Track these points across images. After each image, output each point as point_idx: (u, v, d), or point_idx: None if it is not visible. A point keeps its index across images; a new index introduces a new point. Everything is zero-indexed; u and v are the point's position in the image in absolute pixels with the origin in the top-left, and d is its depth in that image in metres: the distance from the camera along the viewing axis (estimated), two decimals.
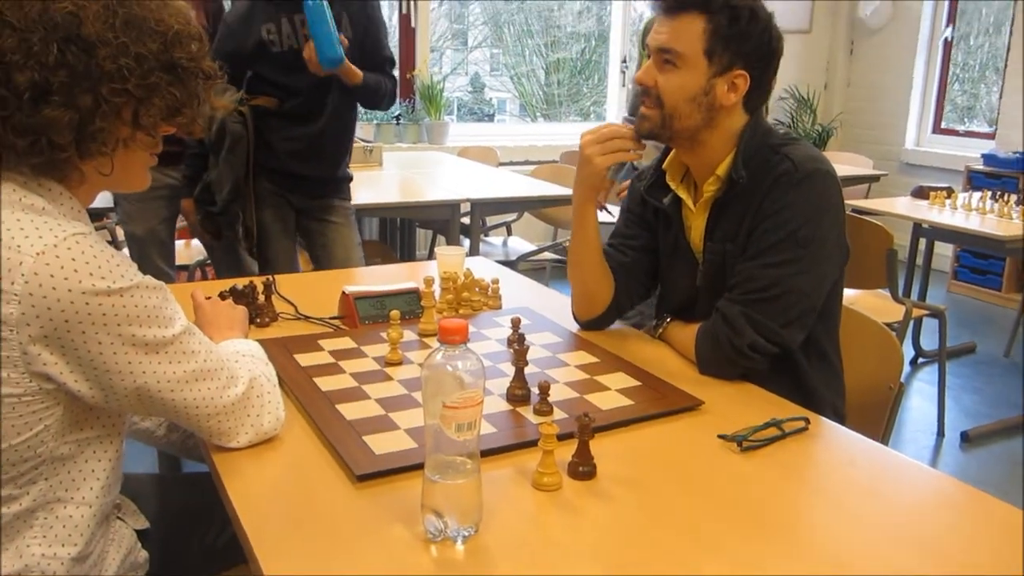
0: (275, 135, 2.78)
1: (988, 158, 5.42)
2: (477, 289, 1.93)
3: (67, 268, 0.98)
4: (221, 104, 1.20)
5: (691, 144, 1.60)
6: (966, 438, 3.40)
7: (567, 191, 3.87)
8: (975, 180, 5.36)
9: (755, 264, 1.54)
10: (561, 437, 1.17)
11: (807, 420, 1.34)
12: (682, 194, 1.68)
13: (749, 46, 1.53)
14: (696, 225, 1.67)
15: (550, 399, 1.35)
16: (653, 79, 1.57)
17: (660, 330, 1.72)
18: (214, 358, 1.14)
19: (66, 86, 0.99)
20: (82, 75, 1.00)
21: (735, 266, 1.58)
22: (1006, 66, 5.65)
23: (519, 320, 1.64)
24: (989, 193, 3.94)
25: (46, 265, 0.97)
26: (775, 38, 1.56)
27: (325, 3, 2.56)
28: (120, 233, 3.93)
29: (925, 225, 3.87)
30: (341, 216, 2.97)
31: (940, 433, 3.46)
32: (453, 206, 3.65)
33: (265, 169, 2.81)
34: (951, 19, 6.14)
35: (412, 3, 5.37)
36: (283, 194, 2.88)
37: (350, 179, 3.03)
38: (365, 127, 5.27)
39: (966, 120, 6.31)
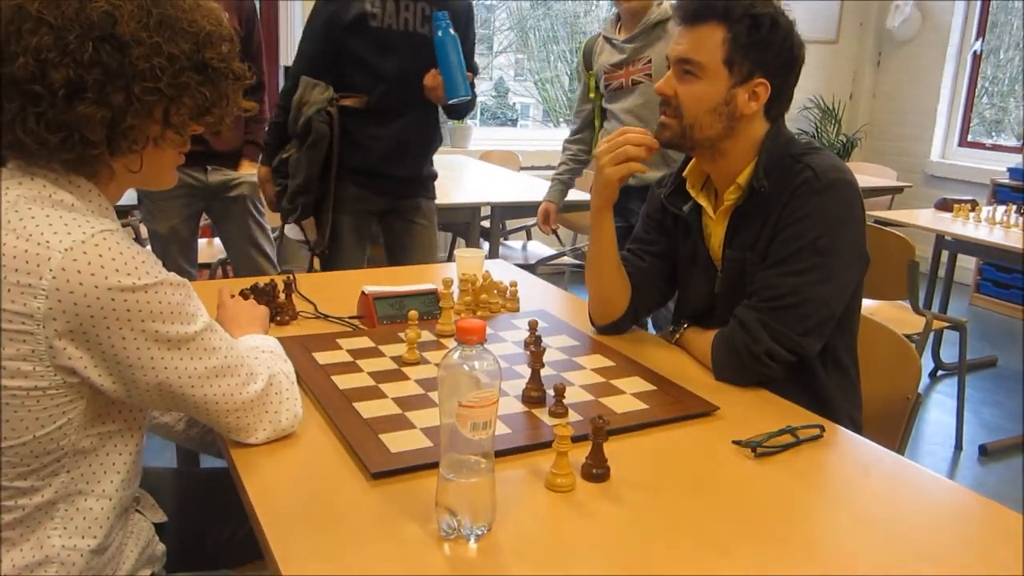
0: (362, 134, 2.75)
1: (1014, 172, 5.38)
2: (495, 291, 1.94)
3: (94, 264, 0.99)
4: (248, 104, 1.21)
5: (712, 153, 1.60)
6: (984, 451, 3.37)
7: (587, 196, 3.87)
8: (1000, 194, 5.32)
9: (775, 272, 1.54)
10: (575, 439, 1.17)
11: (822, 428, 1.34)
12: (702, 202, 1.68)
13: (770, 55, 1.53)
14: (716, 232, 1.67)
15: (565, 401, 1.36)
16: (673, 89, 1.58)
17: (677, 336, 1.73)
18: (234, 355, 1.16)
19: (100, 84, 1.01)
20: (115, 73, 1.02)
21: (754, 274, 1.58)
22: None
23: (536, 323, 1.64)
24: (1014, 207, 3.91)
25: (73, 261, 0.98)
26: (796, 45, 1.56)
27: (457, 38, 2.56)
28: (144, 231, 3.98)
29: (948, 237, 3.84)
30: (426, 217, 2.95)
31: (958, 446, 3.43)
32: (473, 209, 3.67)
33: (351, 171, 2.78)
34: (981, 32, 6.10)
35: None
36: (367, 198, 2.84)
37: (435, 176, 3.00)
38: None
39: (994, 134, 6.25)
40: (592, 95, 3.19)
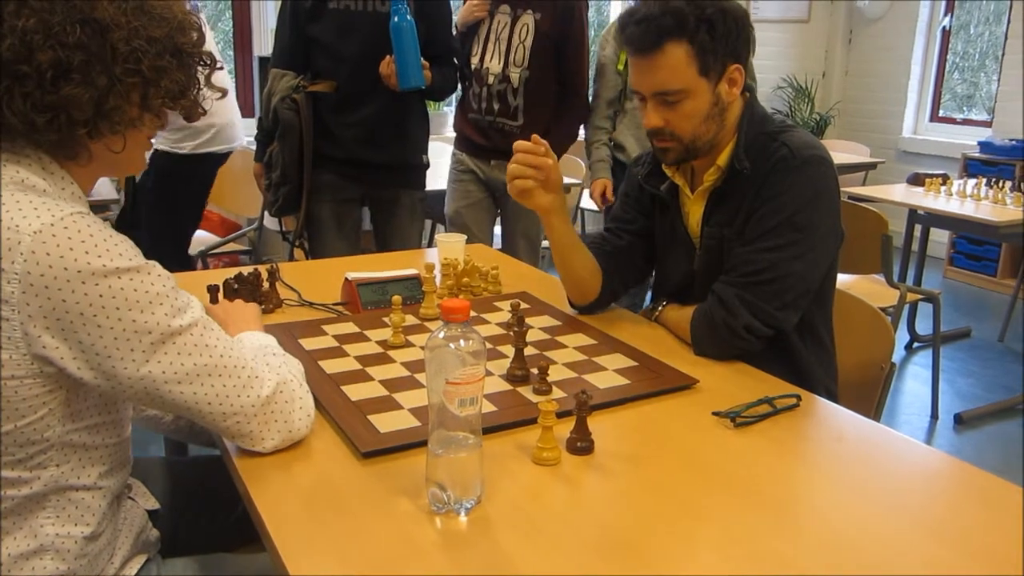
0: (334, 122, 2.75)
1: (984, 146, 5.45)
2: (477, 275, 1.96)
3: (63, 247, 0.99)
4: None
5: (710, 150, 1.62)
6: (959, 420, 3.44)
7: (566, 180, 3.90)
8: (971, 168, 5.39)
9: (752, 248, 1.57)
10: (560, 415, 1.20)
11: (799, 397, 1.37)
12: (679, 181, 1.71)
13: (732, 41, 1.53)
14: (693, 211, 1.70)
15: (549, 379, 1.39)
16: (663, 119, 1.57)
17: (656, 313, 1.76)
18: (234, 355, 1.12)
19: (85, 65, 1.03)
20: (97, 55, 1.03)
21: (732, 251, 1.61)
22: (1003, 55, 5.67)
23: (519, 304, 1.67)
24: (984, 180, 3.97)
25: (43, 244, 0.98)
26: (743, 17, 1.56)
27: (414, 25, 2.53)
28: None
29: (921, 211, 3.90)
30: (408, 211, 2.91)
31: (934, 415, 3.50)
32: None
33: (327, 159, 2.77)
34: (950, 8, 6.16)
35: None
36: (344, 187, 2.83)
37: (423, 166, 2.95)
38: None
39: (965, 109, 6.32)
40: (621, 67, 3.17)
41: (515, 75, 3.03)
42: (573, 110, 3.18)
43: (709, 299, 1.60)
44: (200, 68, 1.17)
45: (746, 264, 1.57)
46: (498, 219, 3.35)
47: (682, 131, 1.57)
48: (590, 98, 3.33)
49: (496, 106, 3.08)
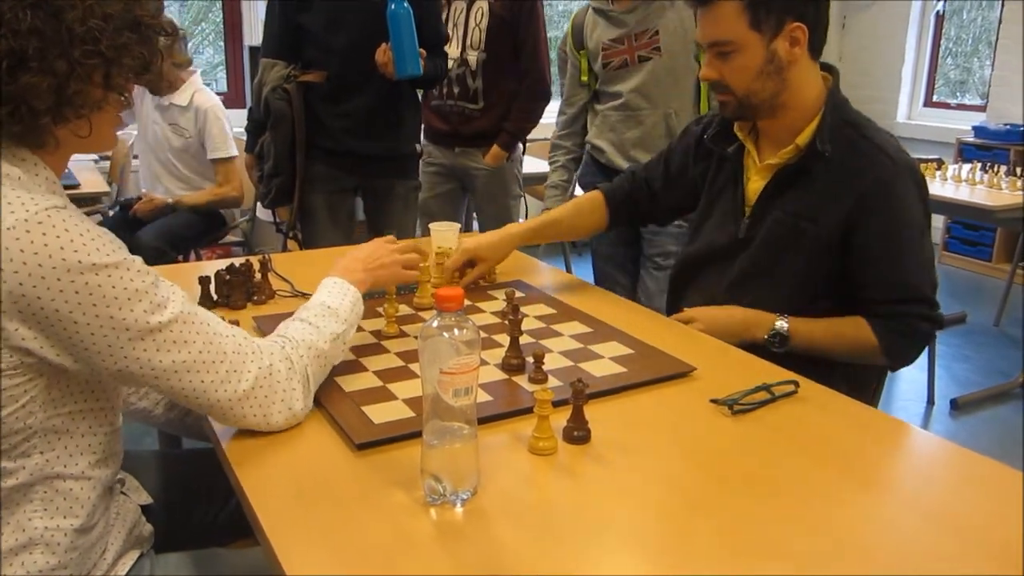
0: (325, 112, 2.74)
1: (979, 130, 5.44)
2: None
3: (37, 243, 0.97)
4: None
5: (773, 112, 1.63)
6: (955, 405, 3.45)
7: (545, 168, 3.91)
8: (966, 152, 5.38)
9: (899, 269, 1.60)
10: (556, 404, 1.19)
11: (796, 384, 1.36)
12: (749, 145, 1.71)
13: None
14: (754, 179, 1.70)
15: (545, 368, 1.38)
16: (717, 72, 1.60)
17: (784, 343, 1.62)
18: (214, 349, 1.11)
19: (40, 52, 0.99)
20: (53, 40, 1.00)
21: (814, 249, 1.61)
22: (997, 39, 5.65)
23: (513, 292, 1.66)
24: (979, 165, 3.96)
25: (16, 240, 0.96)
26: None
27: (411, 12, 2.50)
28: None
29: None
30: (400, 201, 2.91)
31: (930, 401, 3.51)
32: None
33: (320, 150, 2.77)
34: None
35: None
36: (338, 177, 2.83)
37: (416, 155, 2.95)
38: None
39: (959, 94, 6.31)
40: (585, 78, 2.86)
41: (473, 58, 3.08)
42: (530, 90, 3.19)
43: (894, 325, 1.61)
44: (162, 39, 1.13)
45: (904, 289, 1.60)
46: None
47: (735, 85, 1.60)
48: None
49: (456, 90, 3.13)
